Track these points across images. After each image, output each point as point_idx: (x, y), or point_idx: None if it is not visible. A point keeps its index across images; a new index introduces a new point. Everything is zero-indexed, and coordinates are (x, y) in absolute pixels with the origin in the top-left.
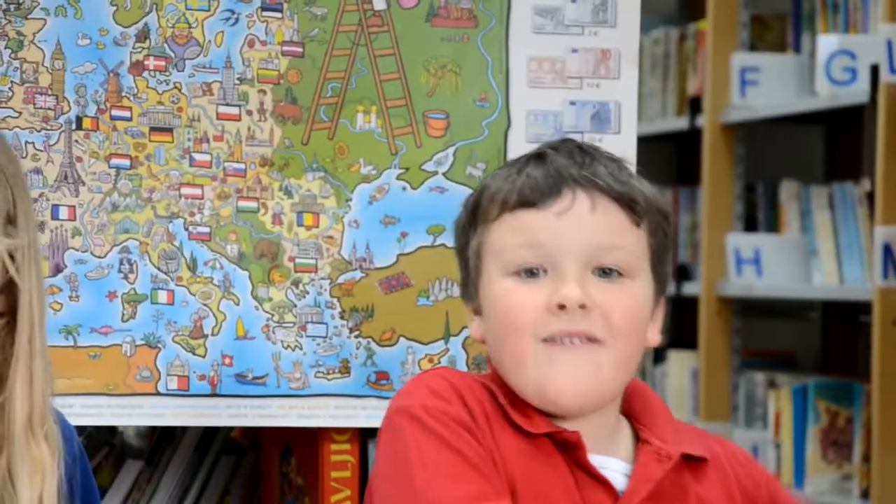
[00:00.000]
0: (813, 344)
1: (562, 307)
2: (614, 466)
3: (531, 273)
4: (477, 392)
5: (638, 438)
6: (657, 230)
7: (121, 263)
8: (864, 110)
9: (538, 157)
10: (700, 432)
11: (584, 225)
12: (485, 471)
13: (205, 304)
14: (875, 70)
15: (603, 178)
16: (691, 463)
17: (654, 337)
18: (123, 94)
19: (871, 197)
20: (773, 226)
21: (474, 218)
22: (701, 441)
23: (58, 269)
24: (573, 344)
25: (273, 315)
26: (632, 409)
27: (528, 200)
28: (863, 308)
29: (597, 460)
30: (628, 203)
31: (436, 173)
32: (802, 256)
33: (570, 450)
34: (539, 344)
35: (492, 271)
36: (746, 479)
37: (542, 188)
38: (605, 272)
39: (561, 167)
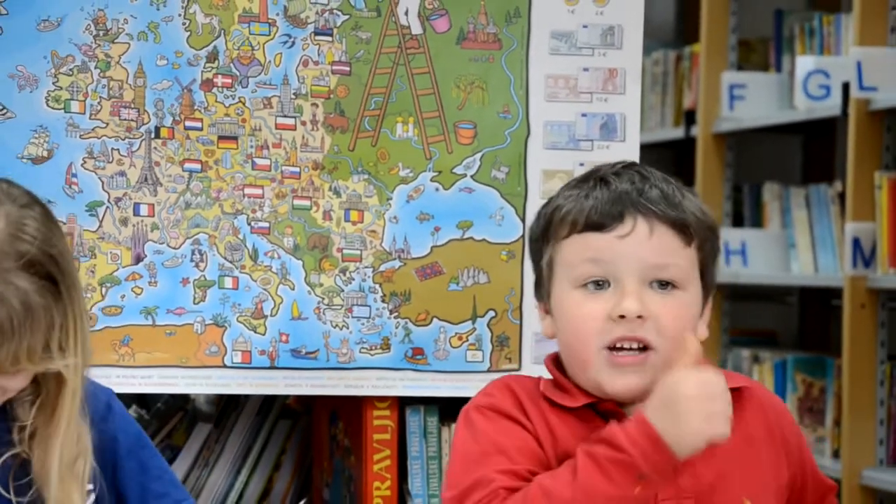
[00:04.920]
0: (791, 324)
1: (622, 317)
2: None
3: (598, 285)
4: (527, 385)
5: None
6: (705, 244)
7: (193, 254)
8: (836, 122)
9: (602, 181)
10: (737, 374)
11: (642, 247)
12: (508, 451)
13: (265, 289)
14: (846, 87)
15: (659, 205)
16: (733, 393)
17: (703, 331)
18: (195, 107)
19: (842, 197)
20: (758, 222)
21: (546, 234)
22: (738, 377)
23: (139, 259)
24: (630, 351)
25: (323, 299)
26: None
27: (595, 224)
28: (835, 293)
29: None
30: (681, 227)
31: (465, 175)
32: (783, 248)
33: (611, 416)
34: (602, 351)
35: (562, 282)
36: (784, 422)
37: (607, 213)
38: (661, 284)
39: (623, 194)
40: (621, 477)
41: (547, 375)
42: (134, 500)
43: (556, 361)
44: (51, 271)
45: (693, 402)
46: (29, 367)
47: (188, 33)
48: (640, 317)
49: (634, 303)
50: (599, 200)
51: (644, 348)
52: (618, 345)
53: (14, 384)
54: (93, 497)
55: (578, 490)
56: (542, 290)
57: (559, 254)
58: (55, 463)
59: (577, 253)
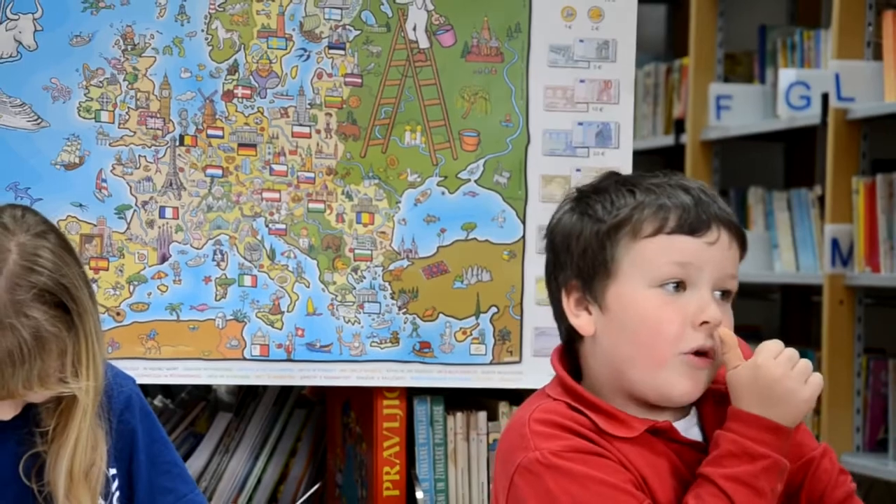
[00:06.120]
0: (774, 319)
1: (705, 323)
2: (690, 422)
3: (672, 286)
4: (574, 419)
5: None
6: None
7: (214, 253)
8: (816, 130)
9: (682, 188)
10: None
11: (724, 255)
12: (624, 486)
13: (282, 287)
14: (825, 98)
15: (732, 217)
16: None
17: None
18: (217, 116)
19: (821, 200)
20: (743, 223)
21: (618, 230)
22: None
23: (164, 258)
24: (699, 358)
25: (337, 296)
26: None
27: (686, 227)
28: (815, 290)
29: (678, 426)
30: (743, 242)
31: (469, 180)
32: (766, 248)
33: (662, 433)
34: (677, 356)
35: (636, 280)
36: None
37: (698, 220)
38: (722, 294)
39: (707, 203)
40: (768, 483)
41: (551, 372)
42: (141, 492)
43: (564, 360)
44: (63, 300)
45: (785, 376)
46: (42, 392)
47: (210, 48)
48: (717, 324)
49: (718, 311)
50: (687, 204)
51: (706, 354)
52: (691, 354)
53: (35, 397)
54: (116, 482)
55: None
56: (596, 286)
57: (637, 252)
58: (62, 475)
59: (663, 253)
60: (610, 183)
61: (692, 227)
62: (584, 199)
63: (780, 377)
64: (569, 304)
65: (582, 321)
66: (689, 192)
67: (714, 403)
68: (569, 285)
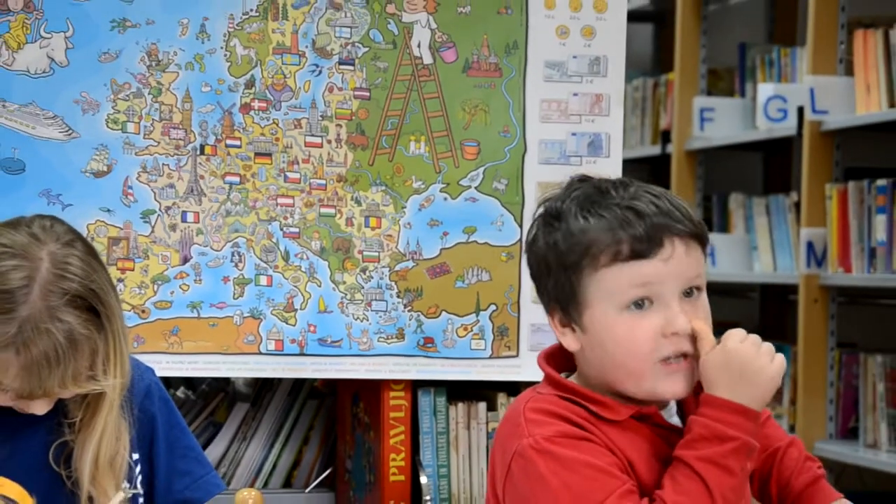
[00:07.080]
0: (753, 317)
1: (675, 334)
2: (671, 410)
3: (639, 304)
4: (564, 405)
5: None
6: (706, 245)
7: (232, 255)
8: (792, 141)
9: (632, 210)
10: None
11: (681, 265)
12: (609, 469)
13: (295, 286)
14: (801, 111)
15: (685, 224)
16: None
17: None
18: (235, 127)
19: (797, 206)
20: (724, 227)
21: (578, 263)
22: None
23: (185, 260)
24: (678, 361)
25: (346, 294)
26: None
27: (640, 253)
28: (791, 289)
29: (662, 412)
30: (702, 239)
31: (470, 187)
32: (746, 250)
33: (647, 419)
34: (656, 365)
35: (604, 306)
36: None
37: (648, 241)
38: (688, 292)
39: (657, 220)
40: (738, 463)
41: (537, 372)
42: (160, 474)
43: (551, 361)
44: (93, 304)
45: (754, 357)
46: (75, 390)
47: (229, 63)
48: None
49: (685, 321)
50: (637, 229)
51: (685, 355)
52: (669, 359)
53: (68, 394)
54: (139, 467)
55: (719, 498)
56: (571, 309)
57: (599, 281)
58: (88, 463)
59: (624, 280)
60: (570, 206)
61: (646, 251)
62: (549, 223)
63: (750, 357)
64: (554, 323)
65: (567, 339)
66: (641, 215)
67: (692, 392)
68: (550, 307)
